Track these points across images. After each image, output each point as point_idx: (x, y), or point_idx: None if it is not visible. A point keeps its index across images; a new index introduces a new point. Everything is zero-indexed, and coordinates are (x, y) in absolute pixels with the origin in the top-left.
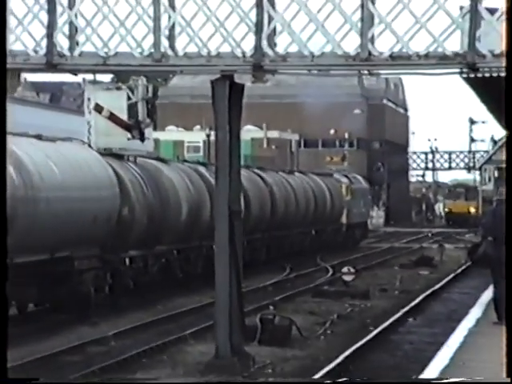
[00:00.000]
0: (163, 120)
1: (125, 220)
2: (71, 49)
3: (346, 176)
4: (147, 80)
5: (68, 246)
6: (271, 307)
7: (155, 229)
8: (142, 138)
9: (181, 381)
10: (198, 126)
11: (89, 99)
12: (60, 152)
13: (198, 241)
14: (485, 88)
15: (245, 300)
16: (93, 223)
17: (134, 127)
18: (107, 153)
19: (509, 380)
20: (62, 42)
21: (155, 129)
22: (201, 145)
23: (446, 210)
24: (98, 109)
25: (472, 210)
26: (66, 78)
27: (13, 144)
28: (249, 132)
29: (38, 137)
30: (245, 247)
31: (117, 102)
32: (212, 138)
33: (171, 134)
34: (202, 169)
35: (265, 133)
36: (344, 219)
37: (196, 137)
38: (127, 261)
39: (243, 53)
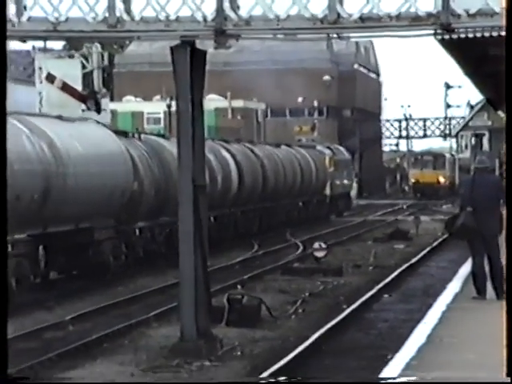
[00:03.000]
0: (120, 90)
1: (135, 194)
2: (18, 14)
3: (329, 148)
4: (102, 47)
5: (89, 217)
6: (239, 286)
7: (160, 201)
8: (98, 110)
9: (184, 381)
10: (158, 96)
11: (40, 68)
12: (80, 131)
13: (207, 211)
14: (460, 50)
15: (211, 279)
16: (110, 196)
17: (89, 98)
18: (116, 130)
19: (509, 380)
20: (8, 6)
21: (112, 99)
22: (161, 116)
23: (413, 180)
24: (50, 78)
25: (441, 179)
26: (14, 45)
27: (41, 124)
28: (212, 101)
29: (59, 117)
30: (239, 218)
31: (70, 71)
32: (173, 108)
33: (129, 104)
34: None
35: (229, 102)
36: (328, 191)
37: (156, 107)
38: (137, 231)
39: (204, 17)
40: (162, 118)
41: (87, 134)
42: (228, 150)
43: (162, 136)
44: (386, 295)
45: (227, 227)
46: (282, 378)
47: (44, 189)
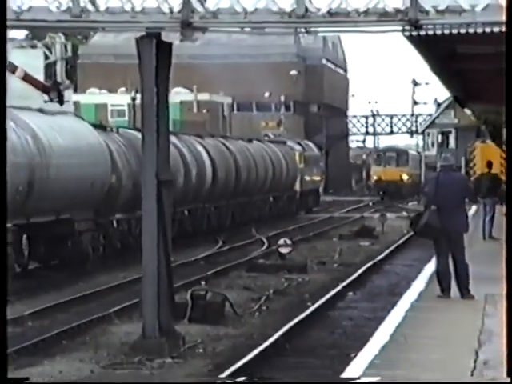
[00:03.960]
0: (84, 81)
1: (113, 186)
2: None
3: (300, 143)
4: (66, 37)
5: (69, 209)
6: (203, 282)
7: (137, 194)
8: (61, 101)
9: (183, 381)
10: (123, 88)
11: None
12: (60, 124)
13: (172, 207)
14: (428, 47)
15: (175, 275)
16: (90, 189)
17: (51, 89)
18: (94, 124)
19: (509, 380)
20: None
21: (75, 91)
22: (126, 108)
23: (375, 177)
24: (12, 68)
25: (405, 176)
26: None
27: (25, 117)
28: (178, 95)
29: (41, 110)
30: (212, 213)
31: (32, 62)
32: (138, 101)
33: (93, 96)
34: (173, 138)
35: (195, 95)
36: (298, 187)
37: (120, 100)
38: (115, 223)
39: (170, 8)
40: (126, 110)
41: (67, 127)
42: (202, 145)
43: (138, 130)
44: (350, 293)
45: (200, 222)
46: (281, 379)
47: (28, 180)
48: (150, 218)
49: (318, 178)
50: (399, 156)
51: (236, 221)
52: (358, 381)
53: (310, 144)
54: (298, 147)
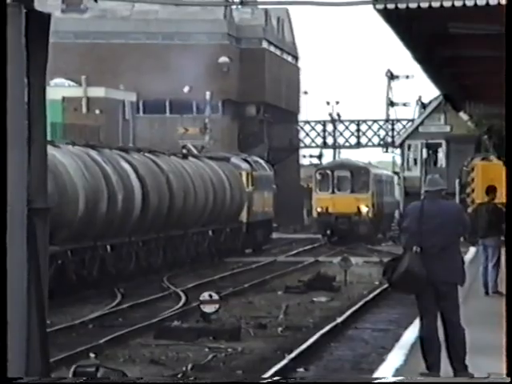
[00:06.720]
0: None
1: None
2: None
3: (246, 160)
4: None
5: None
6: (92, 355)
7: (50, 225)
8: None
9: (181, 381)
10: None
11: None
12: None
13: (92, 240)
14: (410, 25)
15: (51, 345)
16: None
17: None
18: None
19: (509, 380)
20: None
21: None
22: None
23: (319, 209)
24: None
25: (364, 208)
26: None
27: None
28: (59, 88)
29: None
30: (141, 249)
31: None
32: None
33: None
34: (93, 153)
35: (84, 90)
36: (244, 217)
37: None
38: None
39: None
40: None
41: None
42: (128, 162)
43: (50, 143)
44: (300, 369)
45: (127, 260)
46: (279, 378)
47: None
48: (18, 262)
49: (269, 207)
50: (355, 176)
51: (168, 260)
52: (380, 381)
53: (260, 161)
54: (244, 165)
